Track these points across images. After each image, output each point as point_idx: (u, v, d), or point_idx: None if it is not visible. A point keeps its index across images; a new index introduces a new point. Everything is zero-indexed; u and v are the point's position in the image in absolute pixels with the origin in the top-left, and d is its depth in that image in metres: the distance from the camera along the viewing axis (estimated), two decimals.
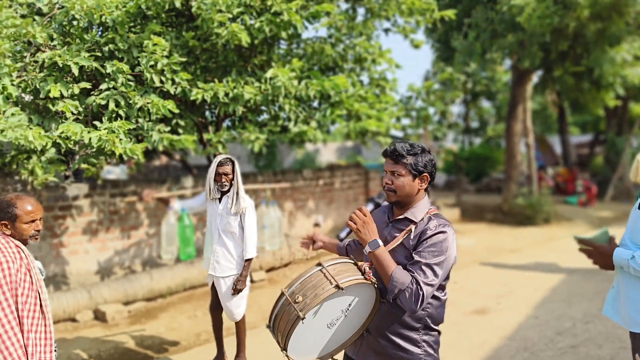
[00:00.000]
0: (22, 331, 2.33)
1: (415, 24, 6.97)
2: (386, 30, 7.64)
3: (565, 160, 16.62)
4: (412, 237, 2.07)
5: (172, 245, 5.22)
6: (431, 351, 2.12)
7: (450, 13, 6.79)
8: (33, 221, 2.50)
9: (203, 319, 5.17)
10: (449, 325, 4.90)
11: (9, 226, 2.45)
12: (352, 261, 2.09)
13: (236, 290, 3.79)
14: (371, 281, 1.99)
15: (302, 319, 1.91)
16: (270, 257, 6.77)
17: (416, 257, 2.01)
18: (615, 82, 10.69)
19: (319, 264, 2.04)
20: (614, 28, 9.00)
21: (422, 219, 2.10)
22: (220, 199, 3.88)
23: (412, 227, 2.08)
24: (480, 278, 6.65)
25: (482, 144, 20.02)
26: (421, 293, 1.93)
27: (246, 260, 3.83)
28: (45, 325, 2.44)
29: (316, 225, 2.72)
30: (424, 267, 1.98)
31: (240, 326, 3.98)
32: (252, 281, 6.40)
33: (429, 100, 12.26)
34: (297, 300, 1.95)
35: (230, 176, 3.81)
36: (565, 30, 9.31)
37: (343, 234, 2.10)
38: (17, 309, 2.32)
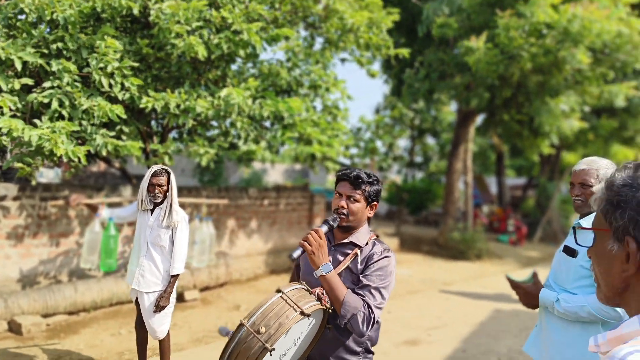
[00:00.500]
0: None
1: (372, 56, 7.19)
2: (342, 60, 7.83)
3: (500, 201, 17.47)
4: (359, 261, 2.10)
5: (93, 254, 4.92)
6: None
7: (404, 52, 7.07)
8: None
9: (127, 337, 4.92)
10: (380, 355, 4.95)
11: None
12: (304, 286, 2.05)
13: (159, 307, 3.62)
14: (326, 307, 1.98)
15: (271, 350, 1.82)
16: (206, 276, 6.58)
17: (365, 281, 2.04)
18: (552, 132, 11.45)
19: (279, 290, 1.97)
20: (553, 81, 9.69)
21: (367, 243, 2.15)
22: (152, 211, 3.75)
23: (358, 251, 2.13)
24: (413, 309, 6.78)
25: (424, 178, 20.72)
26: (372, 316, 1.98)
27: (172, 276, 3.68)
28: None
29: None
30: (373, 291, 2.02)
31: (164, 345, 3.82)
32: (182, 300, 6.19)
33: (377, 133, 12.61)
34: (260, 331, 1.85)
35: (165, 187, 3.69)
36: (509, 79, 9.93)
37: (296, 254, 2.02)
38: None
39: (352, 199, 2.12)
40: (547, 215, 14.79)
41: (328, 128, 7.19)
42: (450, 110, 16.45)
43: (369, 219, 2.22)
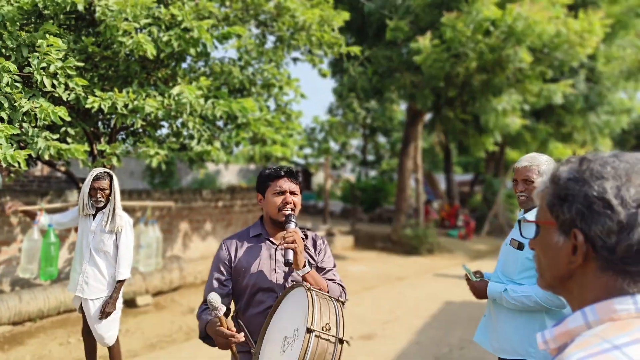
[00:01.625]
0: None
1: (324, 55, 7.24)
2: (295, 60, 7.85)
3: (449, 196, 18.04)
4: (311, 252, 2.24)
5: (32, 263, 4.67)
6: None
7: (356, 49, 7.17)
8: None
9: (77, 346, 4.74)
10: None
11: None
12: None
13: (105, 314, 3.54)
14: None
15: (348, 339, 1.82)
16: (159, 281, 6.43)
17: (326, 266, 2.23)
18: (496, 130, 11.93)
19: (309, 289, 1.90)
20: (496, 80, 10.11)
21: (306, 235, 2.29)
22: (94, 215, 3.65)
23: (305, 243, 2.22)
24: (368, 304, 6.90)
25: (377, 177, 21.08)
26: (345, 293, 2.21)
27: (118, 282, 3.61)
28: None
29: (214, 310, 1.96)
30: (335, 272, 2.25)
31: (114, 352, 3.73)
32: (134, 305, 6.03)
33: (331, 133, 12.70)
34: (329, 327, 1.83)
35: (107, 191, 3.60)
36: (455, 79, 10.27)
37: (291, 257, 1.98)
38: None
39: (294, 194, 2.19)
40: (494, 209, 15.41)
41: (282, 127, 7.18)
42: (400, 110, 16.82)
43: None
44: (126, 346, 4.69)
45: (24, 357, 4.49)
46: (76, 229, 5.58)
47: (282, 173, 2.19)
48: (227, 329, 1.88)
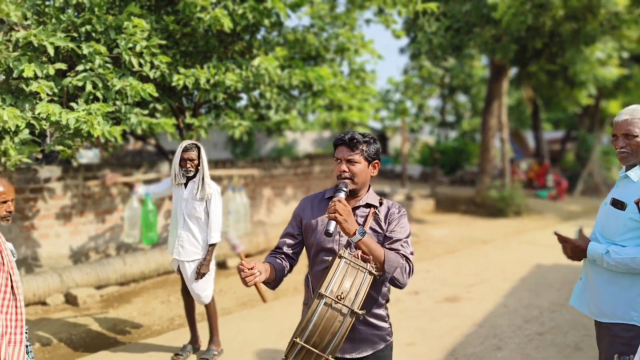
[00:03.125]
0: None
1: (398, 14, 7.00)
2: (367, 21, 7.66)
3: (538, 155, 17.03)
4: (381, 220, 2.18)
5: (134, 229, 5.20)
6: (389, 322, 2.28)
7: (432, 5, 6.85)
8: (4, 202, 2.47)
9: (177, 304, 5.16)
10: (421, 311, 5.03)
11: None
12: (349, 250, 2.07)
13: (200, 275, 3.81)
14: (374, 267, 2.03)
15: (360, 314, 1.86)
16: (246, 244, 6.77)
17: (394, 237, 2.14)
18: (589, 81, 10.98)
19: (340, 256, 1.97)
20: (588, 28, 9.22)
21: (381, 203, 2.22)
22: (185, 184, 3.89)
23: (375, 211, 2.18)
24: (452, 268, 6.80)
25: (458, 138, 20.32)
26: (411, 266, 2.10)
27: (210, 245, 3.85)
28: (16, 307, 2.42)
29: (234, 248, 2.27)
30: (403, 244, 2.14)
31: (210, 309, 4.01)
32: (225, 267, 6.41)
33: (407, 93, 12.36)
34: (342, 297, 1.87)
35: (196, 162, 3.81)
36: (541, 29, 9.50)
37: (332, 229, 1.98)
38: None
39: (352, 162, 2.14)
40: (588, 167, 14.34)
41: (357, 92, 7.11)
42: (481, 65, 15.94)
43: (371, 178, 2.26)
44: (220, 304, 5.03)
45: (131, 312, 4.97)
46: (170, 198, 6.00)
47: (340, 141, 2.17)
48: (243, 265, 1.96)
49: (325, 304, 1.87)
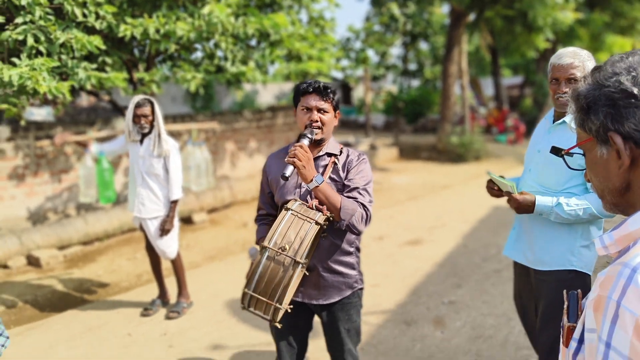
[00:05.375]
0: None
1: None
2: None
3: (497, 101, 17.33)
4: (339, 169, 2.17)
5: (91, 188, 5.10)
6: (359, 270, 2.31)
7: None
8: None
9: (143, 261, 5.16)
10: (385, 256, 5.20)
11: None
12: (301, 202, 2.09)
13: (164, 231, 3.81)
14: (327, 215, 2.04)
15: (303, 263, 1.90)
16: (211, 199, 6.75)
17: (352, 185, 2.13)
18: (546, 26, 11.06)
19: (287, 209, 2.01)
20: None
21: (341, 151, 2.22)
22: (141, 141, 3.80)
23: (335, 159, 2.18)
24: (414, 213, 7.01)
25: (420, 86, 20.36)
26: (368, 214, 2.10)
27: (172, 202, 3.83)
28: None
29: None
30: (361, 191, 2.12)
31: (176, 264, 4.04)
32: (191, 222, 6.40)
33: (368, 41, 12.17)
34: (284, 249, 1.91)
35: (150, 117, 3.73)
36: None
37: (288, 172, 1.97)
38: None
39: (322, 111, 2.13)
40: (545, 112, 14.74)
41: (317, 41, 6.97)
42: (441, 13, 15.82)
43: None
44: (188, 259, 5.06)
45: (97, 271, 4.95)
46: (128, 155, 5.86)
47: (311, 89, 2.12)
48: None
49: (268, 257, 1.93)
